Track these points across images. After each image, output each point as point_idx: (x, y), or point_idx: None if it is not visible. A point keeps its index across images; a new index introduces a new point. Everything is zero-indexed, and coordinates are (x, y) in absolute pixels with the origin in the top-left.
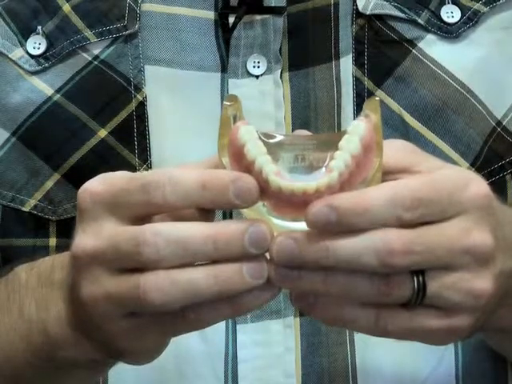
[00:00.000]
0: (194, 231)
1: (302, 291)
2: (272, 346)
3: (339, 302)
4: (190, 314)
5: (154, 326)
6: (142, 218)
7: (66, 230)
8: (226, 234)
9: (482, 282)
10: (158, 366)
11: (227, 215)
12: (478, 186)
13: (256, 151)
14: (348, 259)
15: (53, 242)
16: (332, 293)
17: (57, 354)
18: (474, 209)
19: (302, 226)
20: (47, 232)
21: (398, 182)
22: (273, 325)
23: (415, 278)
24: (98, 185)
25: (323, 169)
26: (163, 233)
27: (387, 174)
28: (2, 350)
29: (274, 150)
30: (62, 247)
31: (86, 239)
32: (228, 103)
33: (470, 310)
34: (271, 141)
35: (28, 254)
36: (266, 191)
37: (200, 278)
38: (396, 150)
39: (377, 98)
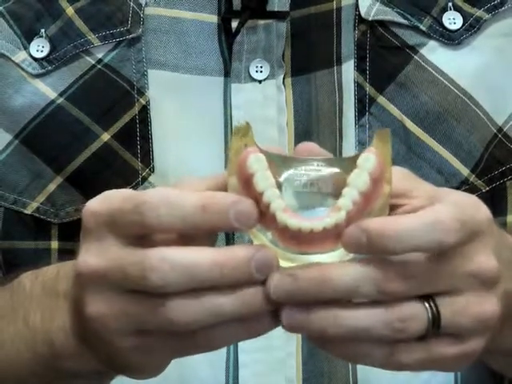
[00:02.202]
0: (201, 258)
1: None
2: (273, 350)
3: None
4: (200, 334)
5: (160, 345)
6: (144, 237)
7: (68, 233)
8: (233, 261)
9: (490, 305)
10: None
11: (230, 237)
12: (485, 208)
13: (264, 184)
14: (346, 289)
15: (55, 244)
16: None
17: (61, 365)
18: (483, 231)
19: (308, 258)
20: (49, 235)
21: (432, 209)
22: (274, 330)
23: (428, 310)
24: (97, 204)
25: (329, 198)
26: (170, 259)
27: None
28: (7, 359)
29: (281, 172)
30: (63, 250)
31: (89, 257)
32: (239, 132)
33: (481, 333)
34: (279, 164)
35: (30, 256)
36: (272, 223)
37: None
38: (396, 177)
39: (387, 129)
